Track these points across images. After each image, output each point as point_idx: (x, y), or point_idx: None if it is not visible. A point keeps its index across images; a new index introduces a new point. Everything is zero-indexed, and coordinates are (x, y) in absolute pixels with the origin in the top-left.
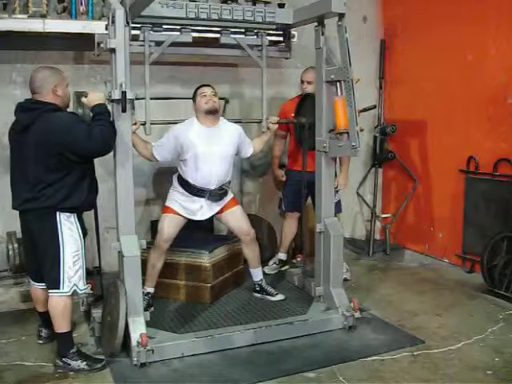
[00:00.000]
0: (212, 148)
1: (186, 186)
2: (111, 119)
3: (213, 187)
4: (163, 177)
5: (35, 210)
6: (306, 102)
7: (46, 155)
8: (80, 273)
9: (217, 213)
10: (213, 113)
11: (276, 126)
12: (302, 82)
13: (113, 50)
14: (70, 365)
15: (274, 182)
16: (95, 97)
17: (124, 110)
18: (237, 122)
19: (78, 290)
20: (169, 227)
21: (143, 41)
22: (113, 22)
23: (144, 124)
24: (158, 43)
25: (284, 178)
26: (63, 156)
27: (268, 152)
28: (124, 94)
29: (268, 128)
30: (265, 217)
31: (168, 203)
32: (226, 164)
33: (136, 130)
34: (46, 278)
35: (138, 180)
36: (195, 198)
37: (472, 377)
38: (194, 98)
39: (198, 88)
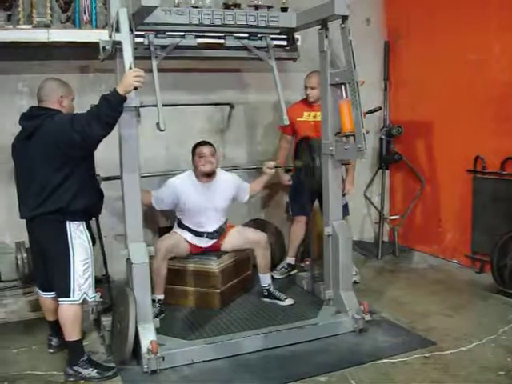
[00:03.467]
0: (207, 203)
1: (185, 228)
2: (105, 106)
3: (209, 230)
4: None
5: (44, 216)
6: (302, 145)
7: (49, 154)
8: (90, 281)
9: (217, 243)
10: (210, 174)
11: (273, 170)
12: (306, 87)
13: (117, 48)
14: (80, 373)
15: (280, 186)
16: (123, 81)
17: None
18: (234, 169)
19: (87, 298)
20: (171, 240)
21: (148, 45)
22: (117, 22)
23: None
24: (163, 47)
25: (290, 183)
26: (62, 151)
27: (273, 155)
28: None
29: (265, 173)
30: (272, 221)
31: (175, 229)
32: (221, 214)
33: None
34: (55, 286)
35: (145, 185)
36: (195, 236)
37: (484, 377)
38: (192, 154)
39: (197, 146)
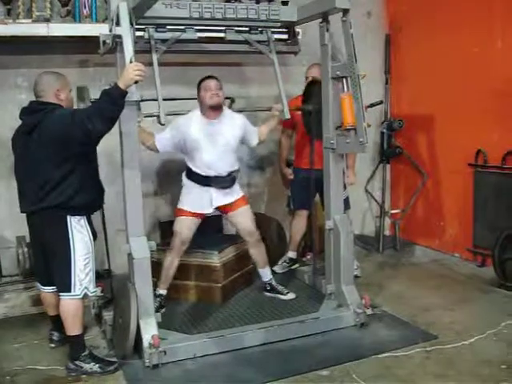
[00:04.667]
0: (215, 142)
1: (194, 176)
2: (106, 101)
3: (220, 174)
4: (171, 177)
5: (44, 210)
6: (312, 89)
7: (51, 150)
8: (90, 275)
9: (227, 208)
10: (217, 108)
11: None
12: (307, 78)
13: (118, 42)
14: (82, 368)
15: (282, 181)
16: (124, 75)
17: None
18: (242, 111)
19: (88, 293)
20: (184, 229)
21: (148, 39)
22: (117, 16)
23: (151, 116)
24: (164, 41)
25: (292, 176)
26: (63, 146)
27: (275, 150)
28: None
29: (274, 115)
30: (273, 216)
31: (179, 205)
32: (230, 154)
33: (140, 123)
34: (56, 281)
35: (146, 181)
36: (204, 188)
37: (486, 371)
38: (198, 89)
39: (203, 80)
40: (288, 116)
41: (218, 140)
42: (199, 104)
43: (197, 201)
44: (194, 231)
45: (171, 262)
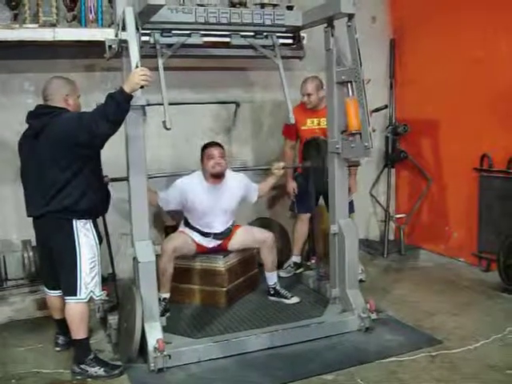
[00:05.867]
0: (215, 204)
1: (192, 228)
2: (111, 105)
3: (216, 232)
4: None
5: (51, 214)
6: (309, 147)
7: (57, 153)
8: (96, 279)
9: (224, 243)
10: (219, 176)
11: (281, 171)
12: (303, 95)
13: (124, 47)
14: (87, 371)
15: (285, 188)
16: (130, 79)
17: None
18: (244, 169)
19: (94, 297)
20: (180, 240)
21: (154, 44)
22: (123, 21)
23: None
24: (169, 45)
25: (295, 193)
26: (69, 149)
27: (279, 155)
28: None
29: (273, 174)
30: (278, 220)
31: (181, 228)
32: (230, 215)
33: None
34: (62, 284)
35: (152, 186)
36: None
37: (491, 377)
38: (201, 155)
39: (206, 147)
40: (293, 121)
41: (219, 203)
42: (202, 168)
43: (196, 236)
44: (186, 248)
45: (164, 266)
